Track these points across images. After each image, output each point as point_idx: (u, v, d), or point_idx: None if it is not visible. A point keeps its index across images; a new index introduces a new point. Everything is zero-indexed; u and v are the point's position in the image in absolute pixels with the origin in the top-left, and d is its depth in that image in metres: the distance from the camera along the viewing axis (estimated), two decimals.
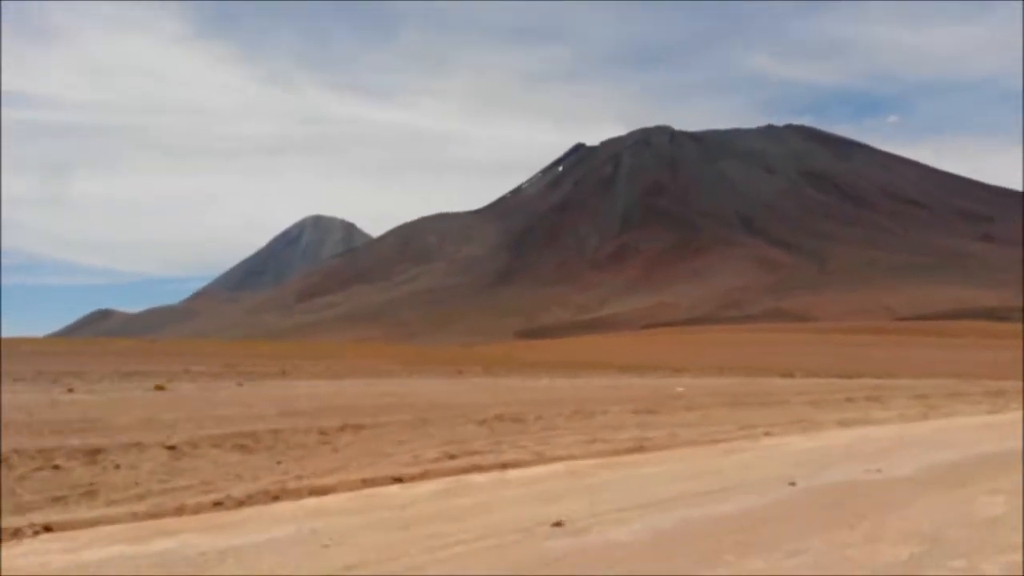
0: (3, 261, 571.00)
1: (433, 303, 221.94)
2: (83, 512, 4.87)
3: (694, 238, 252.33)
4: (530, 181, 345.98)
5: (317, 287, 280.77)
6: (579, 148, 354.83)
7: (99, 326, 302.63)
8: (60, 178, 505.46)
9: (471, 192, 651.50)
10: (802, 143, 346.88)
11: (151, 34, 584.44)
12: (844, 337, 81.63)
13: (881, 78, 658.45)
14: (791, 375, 26.85)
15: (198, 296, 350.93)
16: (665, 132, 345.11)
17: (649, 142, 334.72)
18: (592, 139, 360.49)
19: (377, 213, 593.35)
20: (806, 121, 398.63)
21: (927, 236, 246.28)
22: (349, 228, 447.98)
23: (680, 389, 16.85)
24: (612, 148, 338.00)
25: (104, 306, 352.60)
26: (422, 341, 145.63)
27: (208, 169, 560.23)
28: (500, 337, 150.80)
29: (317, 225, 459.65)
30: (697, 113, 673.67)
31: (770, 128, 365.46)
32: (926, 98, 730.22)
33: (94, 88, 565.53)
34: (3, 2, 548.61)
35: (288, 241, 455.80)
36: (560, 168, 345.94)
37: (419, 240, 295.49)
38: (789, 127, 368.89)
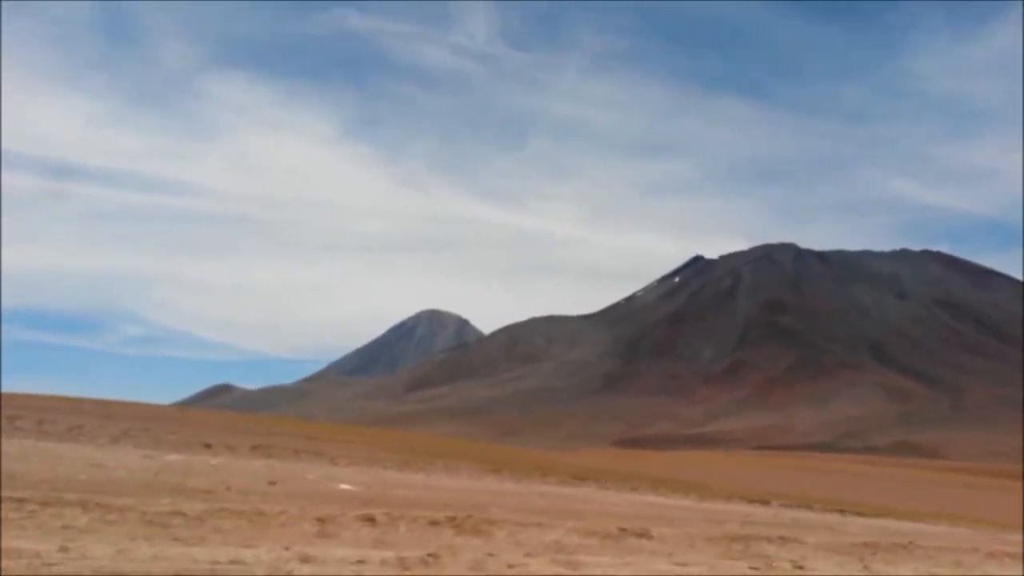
0: (139, 332, 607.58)
1: (535, 404, 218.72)
2: None
3: (816, 360, 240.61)
4: (645, 289, 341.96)
5: (425, 378, 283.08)
6: (698, 260, 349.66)
7: (219, 399, 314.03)
8: (198, 261, 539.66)
9: (585, 297, 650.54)
10: (939, 270, 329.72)
11: (303, 135, 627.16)
12: (974, 479, 74.02)
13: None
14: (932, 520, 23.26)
15: (312, 378, 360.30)
16: (790, 249, 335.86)
17: (772, 258, 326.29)
18: (712, 252, 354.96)
19: (491, 311, 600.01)
20: (944, 248, 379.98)
21: None
22: (462, 324, 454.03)
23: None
24: (732, 262, 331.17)
25: (225, 380, 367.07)
26: (517, 441, 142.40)
27: (336, 261, 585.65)
28: (598, 444, 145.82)
29: (432, 319, 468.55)
30: (824, 233, 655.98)
31: (904, 252, 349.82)
32: None
33: (242, 182, 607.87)
34: (175, 103, 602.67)
35: (403, 332, 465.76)
36: (676, 279, 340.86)
37: (528, 340, 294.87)
38: (925, 252, 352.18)
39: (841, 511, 22.26)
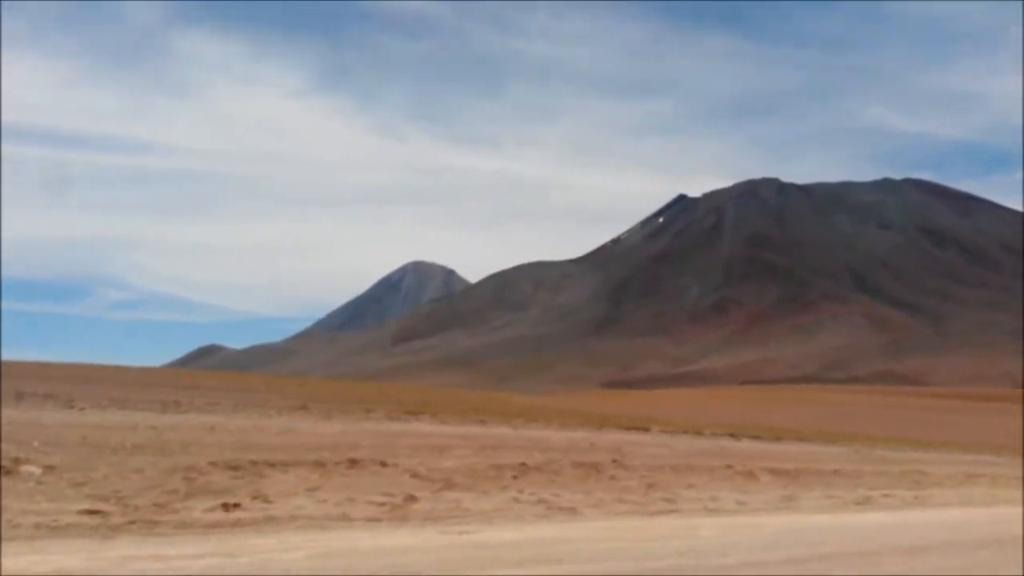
0: (123, 297, 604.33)
1: (525, 350, 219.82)
2: None
3: (801, 294, 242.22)
4: (629, 231, 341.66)
5: (414, 331, 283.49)
6: (681, 199, 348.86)
7: (206, 360, 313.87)
8: (176, 221, 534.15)
9: (570, 241, 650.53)
10: (921, 198, 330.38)
11: (273, 88, 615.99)
12: (961, 404, 75.25)
13: (1007, 132, 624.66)
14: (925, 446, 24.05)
15: (300, 336, 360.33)
16: (772, 184, 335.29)
17: (755, 194, 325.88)
18: (695, 191, 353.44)
19: (477, 260, 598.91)
20: (926, 176, 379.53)
21: None
22: (449, 274, 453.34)
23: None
24: (716, 200, 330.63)
25: (212, 342, 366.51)
26: (510, 388, 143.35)
27: (317, 216, 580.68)
28: (589, 387, 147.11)
29: (419, 270, 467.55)
30: (807, 166, 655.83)
31: (886, 181, 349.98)
32: None
33: (215, 138, 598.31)
34: (143, 61, 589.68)
35: (390, 285, 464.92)
36: (661, 219, 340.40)
37: (515, 287, 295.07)
38: (907, 181, 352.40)
39: (732, 436, 22.66)
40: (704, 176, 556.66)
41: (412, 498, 8.07)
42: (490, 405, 30.50)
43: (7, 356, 33.26)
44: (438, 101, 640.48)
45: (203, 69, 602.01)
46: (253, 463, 8.82)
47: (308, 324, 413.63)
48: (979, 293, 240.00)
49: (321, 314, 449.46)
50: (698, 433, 22.92)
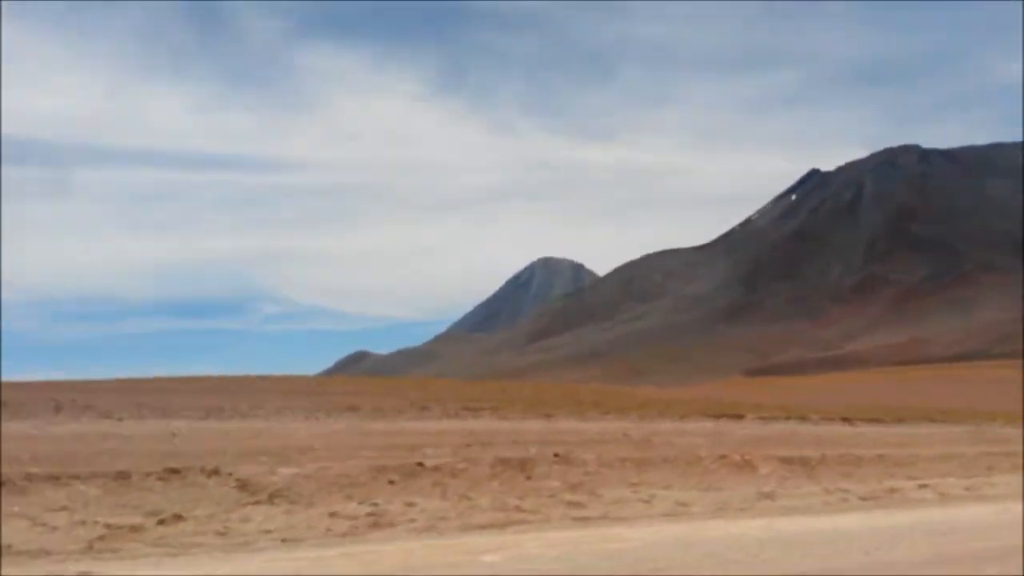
0: (276, 310, 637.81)
1: (658, 342, 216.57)
2: None
3: (954, 266, 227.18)
4: (760, 212, 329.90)
5: (546, 328, 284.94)
6: (814, 174, 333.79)
7: (357, 366, 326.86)
8: (316, 235, 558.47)
9: (698, 227, 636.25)
10: None
11: (394, 96, 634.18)
12: None
13: None
14: None
15: (440, 338, 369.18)
16: (913, 152, 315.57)
17: (895, 164, 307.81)
18: (828, 165, 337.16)
19: (604, 252, 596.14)
20: None
21: None
22: (577, 268, 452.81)
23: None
24: (852, 173, 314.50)
25: (360, 348, 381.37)
26: (646, 381, 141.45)
27: (443, 219, 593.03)
28: (728, 375, 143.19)
29: (547, 267, 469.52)
30: (949, 130, 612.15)
31: None
32: None
33: (341, 149, 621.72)
34: (266, 77, 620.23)
35: (520, 284, 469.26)
36: (793, 196, 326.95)
37: (644, 278, 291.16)
38: None
39: (845, 420, 21.05)
40: (837, 149, 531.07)
41: (179, 517, 6.91)
42: (604, 399, 29.64)
43: (180, 371, 35.25)
44: (552, 95, 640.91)
45: (324, 81, 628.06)
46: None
47: (446, 326, 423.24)
48: None
49: (457, 316, 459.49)
50: (803, 418, 21.54)
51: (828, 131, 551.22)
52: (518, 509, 7.55)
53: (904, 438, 16.58)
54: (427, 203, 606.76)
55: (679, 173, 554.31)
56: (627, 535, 6.49)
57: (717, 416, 21.33)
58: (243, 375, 38.37)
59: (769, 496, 8.93)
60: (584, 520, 7.16)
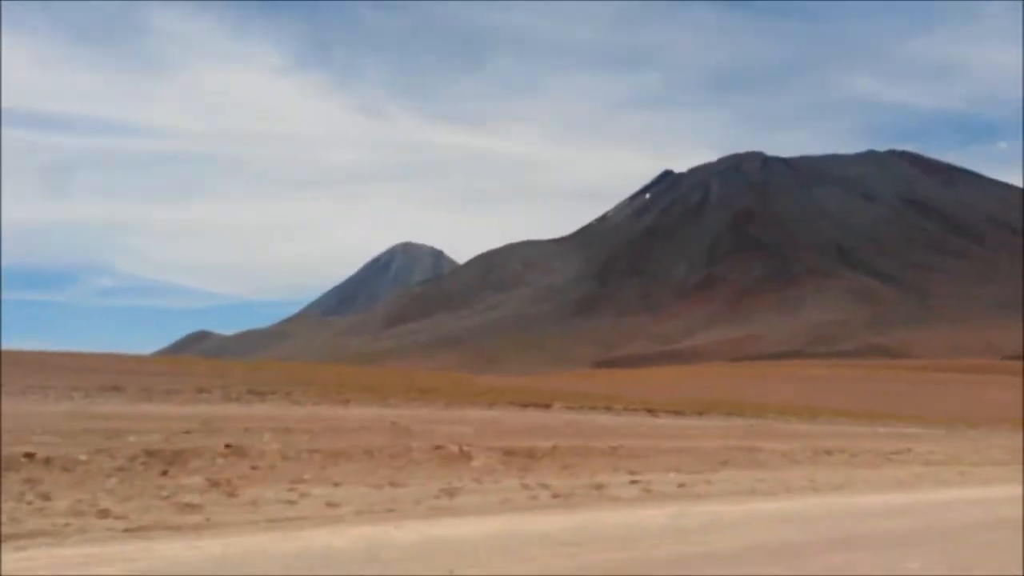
0: (112, 283, 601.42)
1: (513, 331, 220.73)
2: None
3: (786, 269, 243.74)
4: (616, 208, 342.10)
5: (403, 313, 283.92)
6: (667, 175, 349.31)
7: (198, 346, 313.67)
8: (162, 204, 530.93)
9: (557, 219, 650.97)
10: (905, 170, 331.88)
11: (254, 66, 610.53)
12: (944, 376, 76.28)
13: (990, 102, 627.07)
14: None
15: (291, 320, 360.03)
16: (757, 158, 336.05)
17: (740, 169, 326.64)
18: (681, 166, 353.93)
19: (465, 240, 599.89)
20: (909, 147, 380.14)
21: None
22: (438, 255, 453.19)
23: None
24: (701, 175, 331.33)
25: (202, 327, 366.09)
26: (499, 369, 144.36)
27: (302, 197, 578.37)
28: (578, 366, 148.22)
29: (407, 252, 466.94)
30: (791, 139, 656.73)
31: (870, 154, 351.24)
32: None
33: (196, 118, 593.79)
34: (120, 38, 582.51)
35: (379, 267, 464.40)
36: (647, 195, 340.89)
37: (503, 267, 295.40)
38: (891, 153, 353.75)
39: (649, 410, 22.65)
40: (690, 151, 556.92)
41: None
42: (439, 386, 30.56)
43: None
44: (420, 77, 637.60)
45: (181, 46, 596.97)
46: None
47: (299, 308, 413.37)
48: (963, 265, 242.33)
49: (311, 298, 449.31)
50: (607, 408, 22.80)
51: (682, 133, 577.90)
52: (103, 514, 6.34)
53: (683, 430, 17.20)
54: (285, 179, 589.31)
55: (542, 165, 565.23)
56: (169, 551, 5.43)
57: (525, 405, 22.48)
58: (38, 351, 36.71)
59: (450, 493, 8.10)
60: (177, 529, 6.08)
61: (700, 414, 23.52)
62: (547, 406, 22.58)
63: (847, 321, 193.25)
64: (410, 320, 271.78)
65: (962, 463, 14.57)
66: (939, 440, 19.32)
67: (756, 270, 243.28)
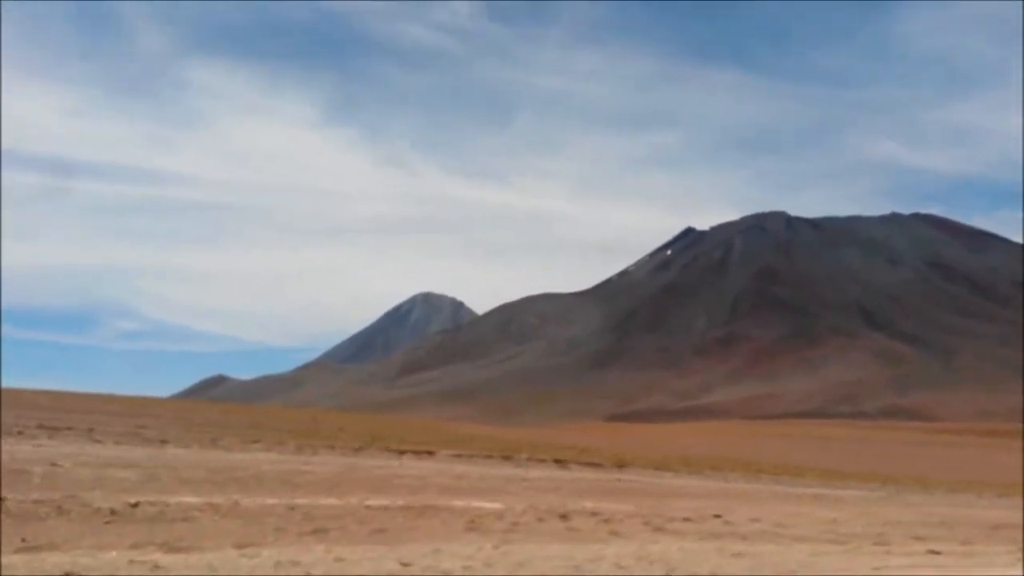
0: (134, 327, 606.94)
1: (529, 383, 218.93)
2: None
3: (808, 328, 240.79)
4: (637, 264, 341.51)
5: (419, 362, 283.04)
6: (689, 232, 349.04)
7: (213, 391, 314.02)
8: (184, 251, 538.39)
9: (577, 274, 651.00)
10: (930, 233, 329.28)
11: (286, 119, 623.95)
12: (958, 439, 74.30)
13: (1015, 168, 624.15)
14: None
15: (308, 367, 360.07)
16: (780, 218, 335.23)
17: (764, 227, 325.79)
18: (703, 224, 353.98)
19: (485, 291, 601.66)
20: (934, 211, 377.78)
21: None
22: (457, 306, 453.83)
23: None
24: (723, 233, 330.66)
25: (220, 371, 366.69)
26: (515, 421, 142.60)
27: (325, 246, 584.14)
28: (594, 420, 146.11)
29: (427, 302, 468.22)
30: (814, 200, 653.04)
31: (895, 216, 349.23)
32: None
33: (224, 169, 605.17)
34: (156, 91, 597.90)
35: (398, 317, 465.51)
36: (668, 252, 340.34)
37: (521, 319, 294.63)
38: (916, 216, 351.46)
39: (558, 462, 21.87)
40: (712, 210, 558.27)
41: None
42: (427, 435, 29.90)
43: (11, 385, 33.08)
44: (446, 133, 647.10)
45: (216, 99, 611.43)
46: None
47: (316, 355, 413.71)
48: (987, 328, 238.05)
49: (329, 345, 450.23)
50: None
51: (705, 192, 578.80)
52: None
53: (553, 482, 16.46)
54: (310, 228, 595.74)
55: (563, 220, 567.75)
56: None
57: (507, 457, 21.88)
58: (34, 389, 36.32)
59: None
60: None
61: (620, 467, 22.87)
62: (508, 458, 21.74)
63: (869, 382, 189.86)
64: (426, 369, 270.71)
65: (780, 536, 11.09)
66: (830, 503, 16.67)
67: (778, 328, 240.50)
